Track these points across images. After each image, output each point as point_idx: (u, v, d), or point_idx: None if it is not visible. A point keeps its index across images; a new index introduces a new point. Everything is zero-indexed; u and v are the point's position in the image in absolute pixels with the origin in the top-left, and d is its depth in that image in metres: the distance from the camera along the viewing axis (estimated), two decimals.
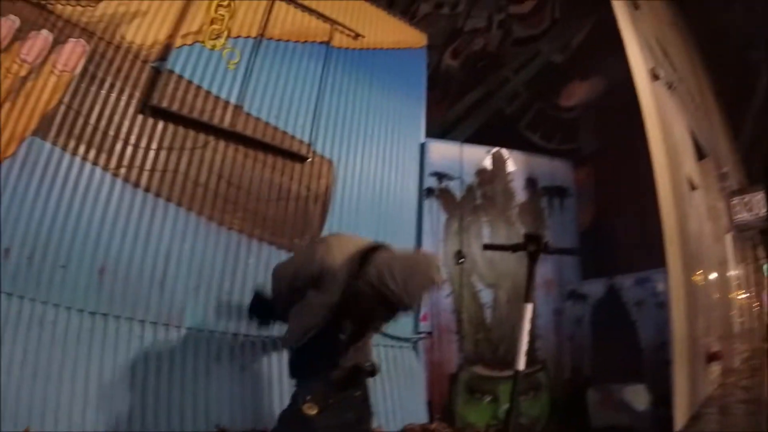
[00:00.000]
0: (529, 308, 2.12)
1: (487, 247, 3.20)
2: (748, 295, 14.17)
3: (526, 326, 2.10)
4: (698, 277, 6.02)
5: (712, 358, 6.12)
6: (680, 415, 4.08)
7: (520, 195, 4.89)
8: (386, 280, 1.94)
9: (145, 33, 3.27)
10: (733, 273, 10.66)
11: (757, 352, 11.79)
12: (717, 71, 13.64)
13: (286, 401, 2.80)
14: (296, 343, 2.22)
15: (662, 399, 4.03)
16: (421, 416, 3.83)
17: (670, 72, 7.43)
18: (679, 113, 7.20)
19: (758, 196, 11.57)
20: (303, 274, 2.19)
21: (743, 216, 11.49)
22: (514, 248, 2.34)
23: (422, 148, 4.59)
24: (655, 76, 5.73)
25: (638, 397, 4.16)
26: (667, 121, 5.87)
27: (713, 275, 7.95)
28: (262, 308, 2.61)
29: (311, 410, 2.08)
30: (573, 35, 5.73)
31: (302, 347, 2.20)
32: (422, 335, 4.07)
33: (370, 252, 2.09)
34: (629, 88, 4.94)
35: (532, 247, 2.21)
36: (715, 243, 8.90)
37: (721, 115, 14.75)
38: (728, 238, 10.38)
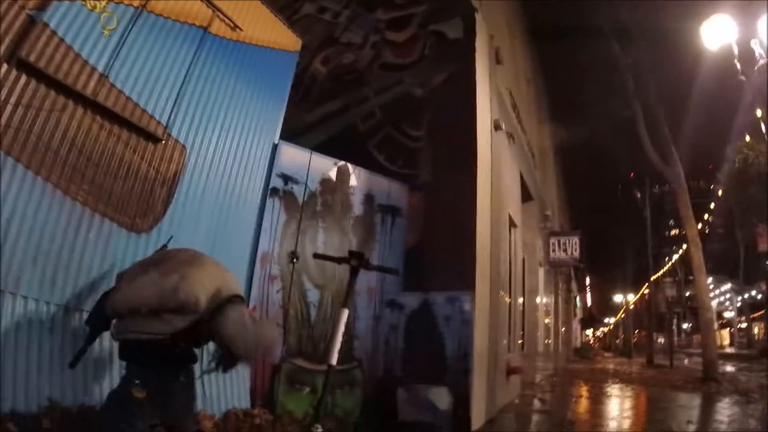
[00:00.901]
0: (344, 313, 2.38)
1: (316, 255, 3.47)
2: (558, 321, 16.27)
3: (341, 328, 2.34)
4: (504, 301, 6.90)
5: (512, 371, 7.02)
6: (477, 416, 4.68)
7: (357, 208, 5.20)
8: (236, 342, 2.31)
9: None
10: (543, 301, 12.15)
11: (559, 371, 13.59)
12: (559, 128, 15.51)
13: (116, 378, 2.84)
14: (120, 312, 2.36)
15: (461, 401, 4.58)
16: (243, 402, 3.94)
17: (514, 123, 8.43)
18: (513, 160, 8.21)
19: (574, 239, 13.38)
20: (162, 303, 2.30)
21: (559, 255, 13.20)
22: (339, 260, 2.67)
23: (274, 148, 4.66)
24: (497, 127, 6.53)
25: (440, 398, 4.67)
26: (500, 166, 6.71)
27: (520, 301, 9.07)
28: (100, 320, 2.59)
29: (139, 393, 2.22)
30: (435, 74, 6.19)
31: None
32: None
33: (226, 304, 2.36)
34: (471, 132, 5.55)
35: (355, 262, 2.56)
36: (529, 274, 10.20)
37: (556, 167, 16.88)
38: (541, 271, 11.85)
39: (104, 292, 2.70)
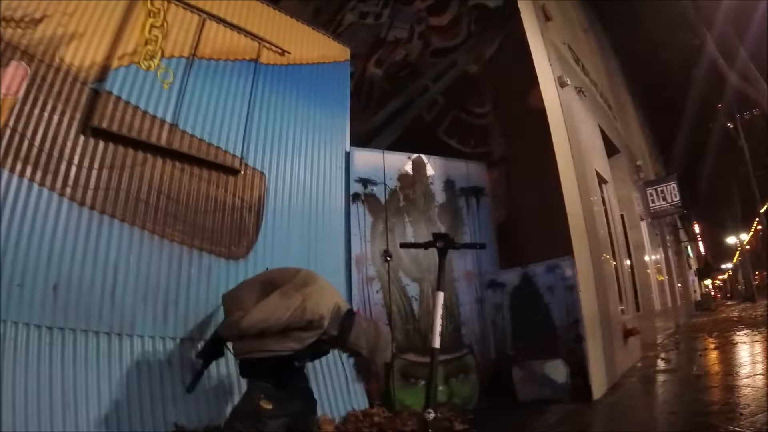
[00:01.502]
0: (440, 296, 2.45)
1: (403, 245, 3.52)
2: (672, 276, 15.20)
3: (439, 311, 2.41)
4: (608, 261, 6.58)
5: (629, 334, 6.68)
6: (598, 384, 4.46)
7: (440, 196, 5.22)
8: (361, 344, 2.59)
9: (83, 55, 3.31)
10: (652, 256, 11.43)
11: (681, 328, 12.73)
12: (631, 72, 14.55)
13: (235, 398, 3.09)
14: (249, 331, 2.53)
15: (579, 371, 4.40)
16: (362, 403, 4.07)
17: (581, 77, 8.04)
18: (589, 114, 7.81)
19: (671, 185, 12.44)
20: (290, 323, 2.49)
21: (659, 204, 12.34)
22: (425, 245, 2.73)
23: (347, 156, 4.81)
24: (562, 84, 6.26)
25: (557, 371, 4.52)
26: (575, 123, 6.42)
27: (627, 260, 8.59)
28: (214, 351, 2.84)
29: (267, 405, 2.39)
30: (486, 47, 6.08)
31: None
32: None
33: (349, 313, 2.65)
34: (536, 95, 5.38)
35: (440, 243, 2.61)
36: (631, 230, 9.64)
37: (637, 113, 15.79)
38: (644, 225, 11.14)
39: (222, 320, 2.90)
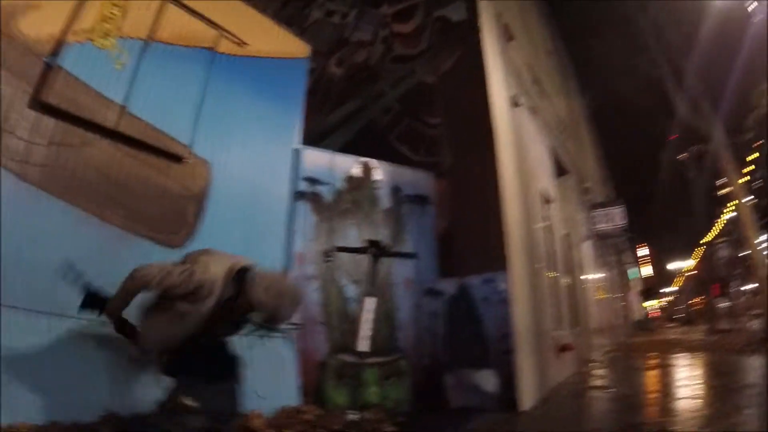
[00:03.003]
0: (368, 301, 2.53)
1: (338, 249, 3.60)
2: (613, 296, 15.81)
3: (366, 315, 2.48)
4: (544, 277, 6.80)
5: (562, 349, 6.93)
6: (526, 396, 4.61)
7: (385, 201, 5.29)
8: (263, 300, 2.40)
9: (40, 27, 3.22)
10: (593, 275, 11.85)
11: (618, 346, 13.22)
12: (590, 97, 15.10)
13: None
14: (155, 347, 2.54)
15: (508, 382, 4.55)
16: (294, 400, 4.08)
17: (536, 98, 8.29)
18: (540, 134, 8.08)
19: (618, 209, 12.98)
20: (178, 289, 2.38)
21: (604, 226, 12.83)
22: (359, 250, 2.79)
23: (296, 153, 4.82)
24: (515, 103, 6.46)
25: (487, 380, 4.68)
26: (524, 142, 6.62)
27: (567, 277, 8.89)
28: (95, 302, 2.72)
29: (188, 401, 2.40)
30: (445, 59, 6.18)
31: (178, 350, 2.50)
32: (293, 326, 4.28)
33: (244, 270, 2.48)
34: (487, 112, 5.50)
35: (374, 250, 2.67)
36: (574, 249, 9.98)
37: (591, 137, 16.40)
38: (587, 245, 11.55)
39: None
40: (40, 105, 3.15)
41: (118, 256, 3.31)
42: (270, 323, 2.61)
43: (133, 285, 2.46)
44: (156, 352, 2.59)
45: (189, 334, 2.45)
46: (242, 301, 2.44)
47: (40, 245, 2.95)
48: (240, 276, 2.46)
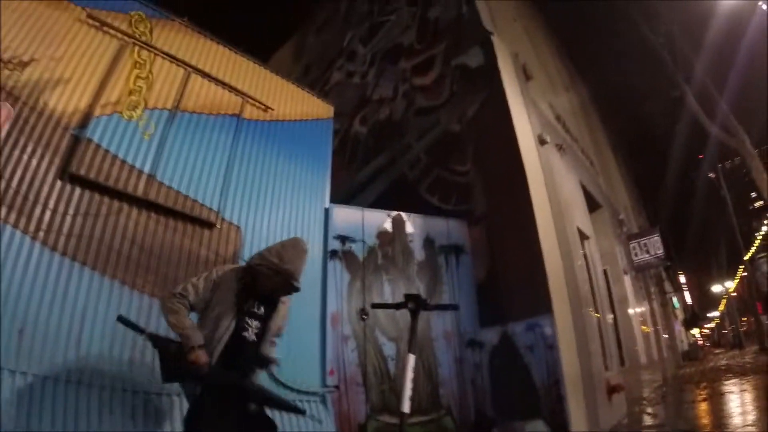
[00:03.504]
0: (411, 358, 2.40)
1: (374, 305, 3.52)
2: (658, 327, 15.14)
3: (410, 374, 2.35)
4: (589, 317, 6.53)
5: (613, 390, 6.59)
6: None
7: (419, 254, 5.22)
8: (267, 258, 2.57)
9: (67, 101, 3.36)
10: (636, 309, 11.39)
11: (668, 379, 12.58)
12: (613, 126, 14.95)
13: None
14: (216, 345, 2.47)
15: (561, 431, 4.33)
16: None
17: (561, 134, 8.22)
18: (570, 171, 7.94)
19: (654, 237, 12.57)
20: (207, 283, 2.58)
21: (643, 257, 12.42)
22: (397, 306, 2.70)
23: (326, 212, 4.83)
24: (542, 141, 6.39)
25: (538, 431, 4.47)
26: (555, 180, 6.51)
27: (610, 314, 8.54)
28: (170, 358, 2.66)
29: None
30: (468, 106, 6.22)
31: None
32: (330, 389, 4.23)
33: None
34: (515, 153, 5.47)
35: (412, 305, 2.58)
36: (614, 284, 9.65)
37: (619, 167, 16.13)
38: (627, 279, 11.16)
39: None
40: (69, 176, 3.24)
41: (149, 323, 3.31)
42: (289, 285, 2.66)
43: (180, 305, 2.52)
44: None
45: (231, 334, 2.49)
46: (262, 270, 2.57)
47: (65, 314, 2.97)
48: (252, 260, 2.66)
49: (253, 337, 2.62)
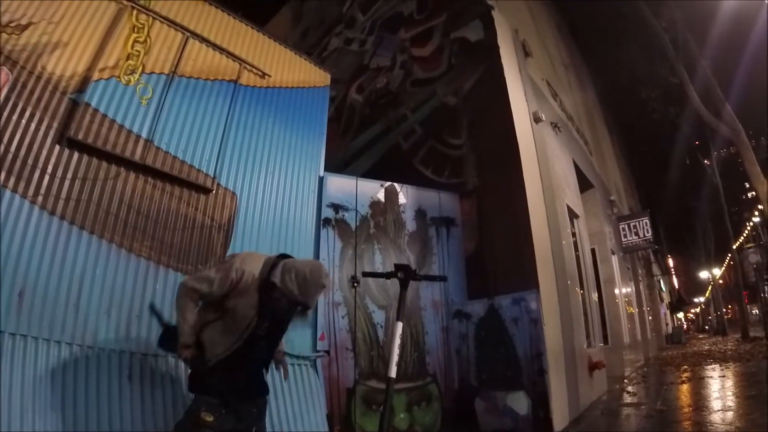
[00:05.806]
0: (399, 326, 2.45)
1: (365, 274, 3.59)
2: (643, 309, 15.41)
3: (397, 341, 2.41)
4: (574, 295, 6.66)
5: (594, 367, 6.75)
6: (559, 417, 4.53)
7: (410, 225, 5.26)
8: (287, 284, 2.44)
9: (65, 64, 3.32)
10: (623, 290, 11.59)
11: (650, 360, 12.85)
12: (611, 107, 14.91)
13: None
14: (219, 357, 2.49)
15: (541, 403, 4.45)
16: (321, 428, 4.04)
17: (558, 113, 8.23)
18: (563, 149, 7.99)
19: (644, 220, 12.71)
20: (224, 282, 2.46)
21: (631, 239, 12.58)
22: (387, 275, 2.76)
23: (321, 181, 4.84)
24: (537, 119, 6.41)
25: (519, 402, 4.59)
26: (548, 157, 6.56)
27: (596, 293, 8.70)
28: (171, 338, 2.70)
29: (208, 417, 2.36)
30: (466, 80, 6.20)
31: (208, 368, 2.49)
32: (321, 353, 4.32)
33: (277, 260, 2.56)
34: (510, 129, 5.48)
35: (402, 274, 2.64)
36: (602, 264, 9.80)
37: (614, 148, 16.15)
38: (615, 259, 11.32)
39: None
40: (67, 141, 3.24)
41: (146, 287, 3.39)
42: (302, 311, 2.62)
43: (189, 300, 2.52)
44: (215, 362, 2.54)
45: (246, 336, 2.49)
46: (278, 294, 2.48)
47: (64, 277, 3.00)
48: (274, 267, 2.53)
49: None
